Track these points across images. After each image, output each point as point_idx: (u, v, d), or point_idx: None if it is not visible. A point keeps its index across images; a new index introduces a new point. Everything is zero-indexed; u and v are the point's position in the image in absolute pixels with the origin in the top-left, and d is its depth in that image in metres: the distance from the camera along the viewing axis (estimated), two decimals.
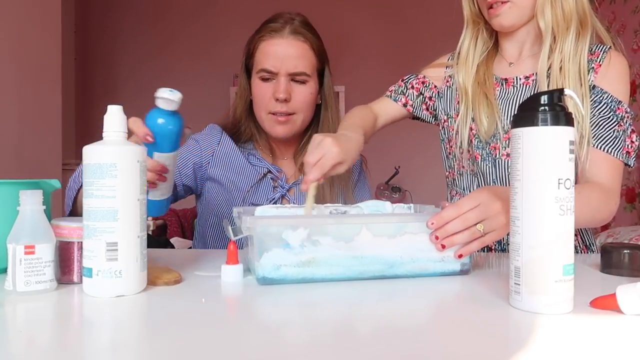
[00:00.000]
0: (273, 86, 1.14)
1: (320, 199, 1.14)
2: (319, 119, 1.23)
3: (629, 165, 0.95)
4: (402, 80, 1.18)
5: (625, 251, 0.78)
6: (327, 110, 1.22)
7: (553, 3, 0.95)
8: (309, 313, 0.62)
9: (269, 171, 1.19)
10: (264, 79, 1.15)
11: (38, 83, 2.10)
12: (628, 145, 0.95)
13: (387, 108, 1.15)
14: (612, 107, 0.95)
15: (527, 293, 0.58)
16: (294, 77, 1.14)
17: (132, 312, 0.61)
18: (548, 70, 0.97)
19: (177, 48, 3.13)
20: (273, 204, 1.15)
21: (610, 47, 0.99)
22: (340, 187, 1.19)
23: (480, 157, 1.04)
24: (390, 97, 1.16)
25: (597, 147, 0.93)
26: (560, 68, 0.96)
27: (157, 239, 2.08)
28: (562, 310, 0.58)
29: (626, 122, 0.95)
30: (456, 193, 1.12)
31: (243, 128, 1.22)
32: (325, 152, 0.84)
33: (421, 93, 1.15)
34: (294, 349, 0.49)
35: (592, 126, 0.94)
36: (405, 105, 1.15)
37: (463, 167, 1.09)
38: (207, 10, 3.16)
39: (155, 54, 3.14)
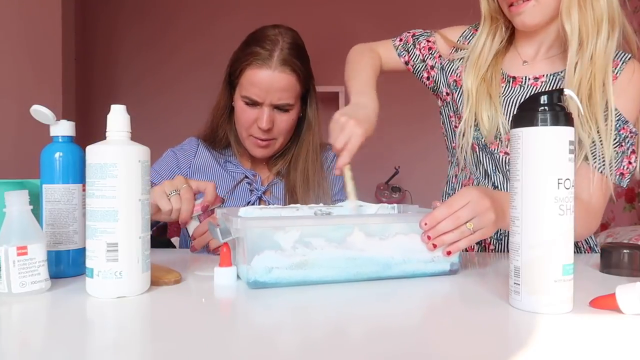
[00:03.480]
0: (257, 113, 1.14)
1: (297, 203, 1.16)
2: (298, 134, 1.24)
3: (622, 186, 0.93)
4: (412, 36, 1.14)
5: (625, 251, 0.78)
6: (309, 131, 1.22)
7: (582, 3, 0.89)
8: (304, 315, 0.62)
9: (245, 176, 1.22)
10: (248, 104, 1.15)
11: (38, 83, 2.10)
12: (624, 167, 0.93)
13: (390, 57, 1.13)
14: (617, 126, 0.92)
15: (527, 293, 0.59)
16: (277, 107, 1.15)
17: (131, 313, 0.61)
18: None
19: (177, 47, 3.13)
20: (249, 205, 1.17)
21: (630, 57, 0.94)
22: (318, 193, 1.19)
23: (478, 148, 1.03)
24: (396, 49, 1.14)
25: (592, 164, 0.91)
26: (591, 72, 0.90)
27: (157, 238, 2.08)
28: (561, 310, 0.58)
29: (628, 142, 0.93)
30: (460, 170, 1.11)
31: (221, 134, 1.24)
32: (351, 135, 0.86)
33: (424, 60, 1.12)
34: (290, 352, 0.49)
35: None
36: (406, 63, 1.14)
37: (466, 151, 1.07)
38: (208, 8, 3.16)
39: (156, 54, 3.14)
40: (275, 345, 0.50)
